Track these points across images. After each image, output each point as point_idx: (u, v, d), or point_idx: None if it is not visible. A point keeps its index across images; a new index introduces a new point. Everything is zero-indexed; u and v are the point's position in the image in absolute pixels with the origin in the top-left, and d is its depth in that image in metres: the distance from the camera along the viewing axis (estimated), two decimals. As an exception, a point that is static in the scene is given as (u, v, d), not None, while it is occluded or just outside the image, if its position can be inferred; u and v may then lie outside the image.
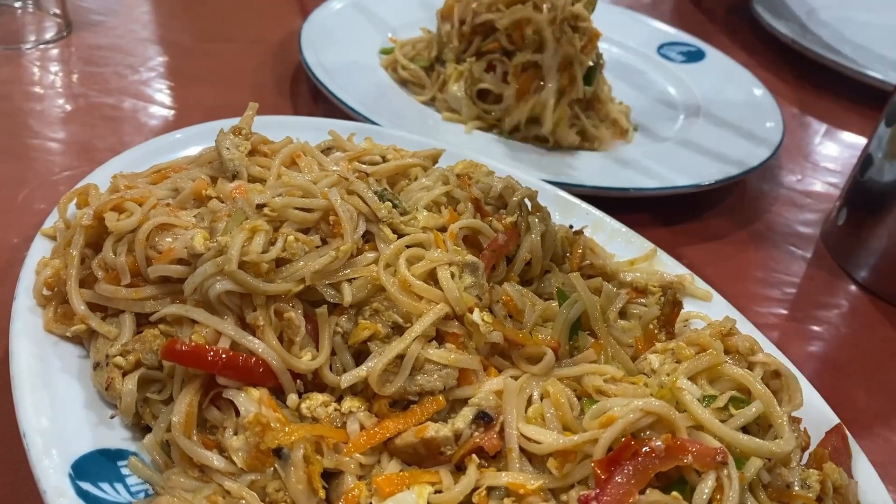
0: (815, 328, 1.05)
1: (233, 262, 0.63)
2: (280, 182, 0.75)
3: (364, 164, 0.88)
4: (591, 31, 1.22)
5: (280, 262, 0.68)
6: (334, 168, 0.82)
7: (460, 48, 1.26)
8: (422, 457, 0.63)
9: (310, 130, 0.96)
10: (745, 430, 0.62)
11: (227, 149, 0.79)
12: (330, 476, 0.62)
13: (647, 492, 0.55)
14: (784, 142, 1.37)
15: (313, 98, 1.31)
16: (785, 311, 1.06)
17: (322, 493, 0.58)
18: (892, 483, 0.81)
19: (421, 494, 0.59)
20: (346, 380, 0.64)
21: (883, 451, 0.87)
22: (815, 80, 1.66)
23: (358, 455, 0.61)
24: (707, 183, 1.15)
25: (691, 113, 1.38)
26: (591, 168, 1.16)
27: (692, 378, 0.66)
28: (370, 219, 0.74)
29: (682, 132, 1.32)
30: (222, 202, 0.75)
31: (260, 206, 0.70)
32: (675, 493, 0.55)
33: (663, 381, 0.64)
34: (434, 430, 0.62)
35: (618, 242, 0.96)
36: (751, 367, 0.69)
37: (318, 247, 0.70)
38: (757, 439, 0.60)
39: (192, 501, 0.58)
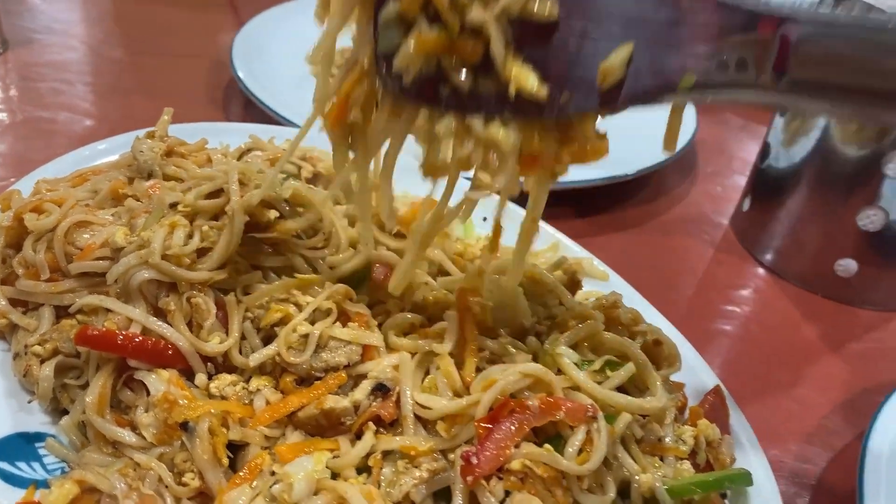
0: (724, 307, 1.11)
1: (156, 255, 0.68)
2: (189, 177, 0.80)
3: (289, 164, 0.94)
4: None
5: (201, 253, 0.73)
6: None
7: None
8: (324, 428, 0.67)
9: (236, 135, 1.01)
10: (623, 391, 0.68)
11: (141, 151, 0.83)
12: (238, 448, 0.66)
13: (522, 445, 0.60)
14: (701, 137, 1.45)
15: (245, 108, 1.36)
16: (694, 294, 1.13)
17: (226, 462, 0.63)
18: (779, 441, 0.88)
19: (319, 460, 0.63)
20: (254, 359, 0.69)
21: (773, 413, 0.93)
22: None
23: (263, 428, 0.66)
24: (619, 175, 1.22)
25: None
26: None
27: (575, 346, 0.71)
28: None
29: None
30: (139, 201, 0.80)
31: (173, 205, 0.75)
32: (547, 446, 0.61)
33: (546, 348, 0.70)
34: (333, 401, 0.66)
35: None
36: (633, 336, 0.75)
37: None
38: (628, 397, 0.66)
39: (104, 474, 0.62)
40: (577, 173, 1.19)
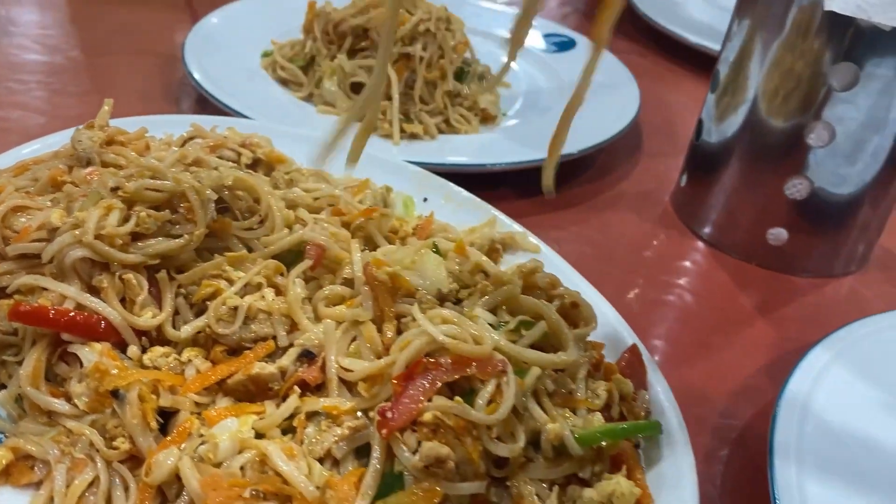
0: (662, 279, 1.15)
1: (89, 234, 0.71)
2: (132, 165, 0.83)
3: (229, 151, 0.98)
4: (463, 38, 1.36)
5: (136, 237, 0.76)
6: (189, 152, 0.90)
7: (333, 51, 1.35)
8: (252, 394, 0.71)
9: (183, 126, 1.04)
10: (540, 349, 0.72)
11: (80, 141, 0.86)
12: (170, 416, 0.69)
13: (434, 399, 0.64)
14: (645, 117, 1.49)
15: (199, 104, 1.39)
16: (633, 267, 1.16)
17: (155, 426, 0.66)
18: (706, 400, 0.92)
19: (245, 422, 0.66)
20: (185, 330, 0.73)
21: (702, 375, 0.97)
22: (687, 64, 1.80)
23: (193, 395, 0.69)
24: (562, 155, 1.25)
25: (557, 97, 1.49)
26: (452, 149, 1.26)
27: (495, 310, 0.75)
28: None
29: (546, 114, 1.43)
30: (78, 187, 0.83)
31: (114, 189, 0.78)
32: (457, 398, 0.64)
33: (464, 311, 0.73)
34: (259, 367, 0.70)
35: (466, 210, 1.05)
36: (550, 299, 0.79)
37: (177, 224, 0.78)
38: (539, 352, 0.69)
39: (38, 442, 0.65)
40: (522, 153, 1.24)
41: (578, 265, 1.13)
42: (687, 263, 1.19)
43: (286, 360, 0.71)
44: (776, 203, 1.13)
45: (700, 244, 1.23)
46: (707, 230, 1.23)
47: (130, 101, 1.39)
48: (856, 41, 1.01)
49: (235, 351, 0.73)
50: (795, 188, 1.11)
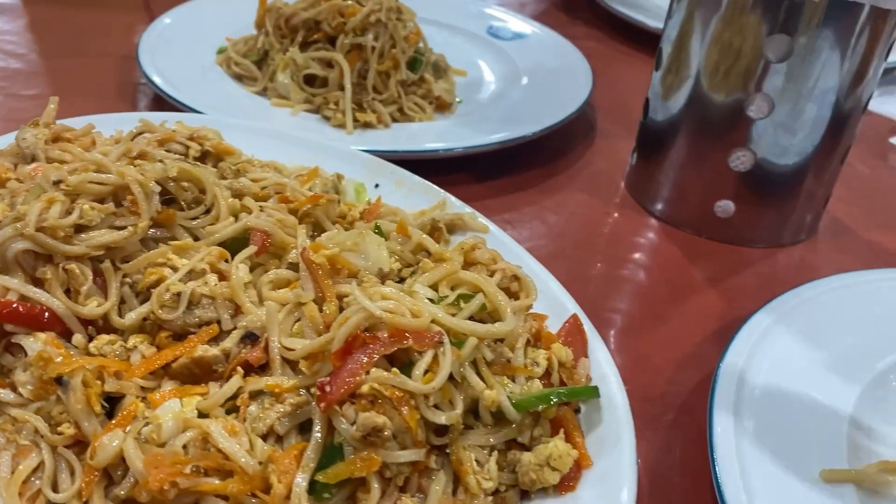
0: (615, 256, 1.17)
1: (30, 226, 0.72)
2: (77, 157, 0.84)
3: (177, 144, 0.99)
4: (415, 28, 1.38)
5: (80, 229, 0.77)
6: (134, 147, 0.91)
7: (286, 44, 1.36)
8: (197, 376, 0.72)
9: (134, 124, 1.05)
10: (480, 321, 0.74)
11: (24, 139, 0.87)
12: (116, 401, 0.70)
13: (372, 371, 0.66)
14: (599, 101, 1.51)
15: (156, 102, 1.39)
16: (586, 245, 1.18)
17: (99, 410, 0.67)
18: (653, 368, 0.94)
19: (189, 403, 0.68)
20: (129, 317, 0.74)
21: (651, 344, 0.99)
22: (643, 46, 1.83)
23: (138, 379, 0.70)
24: (518, 137, 1.28)
25: (511, 82, 1.51)
26: (406, 137, 1.28)
27: (435, 286, 0.77)
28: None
29: (501, 100, 1.45)
30: (22, 183, 0.84)
31: (57, 182, 0.79)
32: (394, 369, 0.66)
33: (404, 288, 0.75)
34: (203, 349, 0.71)
35: (417, 194, 1.06)
36: (491, 273, 0.81)
37: (122, 217, 0.80)
38: (474, 322, 0.71)
39: (-16, 431, 0.66)
40: (475, 137, 1.26)
41: (532, 245, 1.16)
42: (639, 239, 1.21)
43: (229, 343, 0.72)
44: (722, 176, 1.15)
45: (653, 221, 1.25)
46: (659, 207, 1.25)
47: (86, 103, 1.40)
48: (790, 14, 1.03)
49: (181, 336, 0.75)
50: (739, 160, 1.13)
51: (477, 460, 0.68)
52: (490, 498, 0.67)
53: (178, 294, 0.74)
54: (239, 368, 0.71)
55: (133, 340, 0.74)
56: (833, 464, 0.76)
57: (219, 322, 0.75)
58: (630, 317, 1.04)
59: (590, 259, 1.15)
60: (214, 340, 0.74)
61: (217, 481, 0.62)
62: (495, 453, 0.69)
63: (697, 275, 1.14)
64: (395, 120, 1.33)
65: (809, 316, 0.94)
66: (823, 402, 0.83)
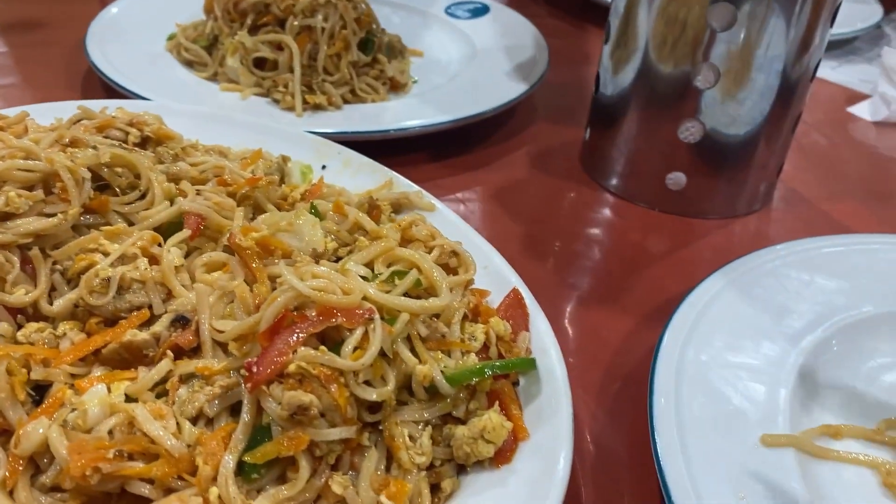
0: (569, 231, 1.16)
1: (-48, 215, 0.71)
2: (5, 142, 0.83)
3: (117, 130, 0.97)
4: (366, 9, 1.37)
5: (6, 217, 0.76)
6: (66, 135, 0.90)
7: (235, 28, 1.34)
8: (128, 362, 0.71)
9: (74, 111, 1.03)
10: (415, 297, 0.73)
11: (-49, 126, 0.85)
12: (45, 389, 0.69)
13: (300, 350, 0.65)
14: (553, 79, 1.50)
15: (106, 91, 1.37)
16: (540, 222, 1.18)
17: (24, 398, 0.66)
18: (602, 340, 0.94)
19: (117, 388, 0.67)
20: (57, 304, 0.73)
21: (602, 316, 0.98)
22: (600, 22, 1.82)
23: (67, 367, 0.69)
24: (473, 115, 1.27)
25: (467, 62, 1.50)
26: (359, 118, 1.27)
27: (370, 264, 0.76)
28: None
29: (457, 79, 1.44)
30: (-52, 172, 0.82)
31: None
32: (322, 347, 0.65)
33: (338, 267, 0.74)
34: (132, 334, 0.70)
35: (364, 175, 1.05)
36: (430, 250, 0.80)
37: (52, 204, 0.78)
38: (405, 298, 0.70)
39: None
40: (429, 117, 1.25)
41: (485, 223, 1.15)
42: (594, 215, 1.21)
43: (159, 327, 0.71)
44: (673, 148, 1.15)
45: (607, 196, 1.24)
46: (613, 182, 1.25)
47: (35, 92, 1.38)
48: (733, -18, 1.02)
49: (112, 322, 0.73)
50: (689, 131, 1.13)
51: (410, 436, 0.67)
52: (424, 473, 0.67)
53: (108, 279, 0.73)
54: (169, 352, 0.70)
55: (63, 327, 0.72)
56: (775, 429, 0.76)
57: (150, 307, 0.74)
58: (582, 291, 1.04)
59: (543, 235, 1.14)
60: (146, 325, 0.73)
61: (142, 465, 0.61)
62: (429, 428, 0.68)
63: (651, 248, 1.14)
64: (347, 102, 1.31)
65: (757, 283, 0.94)
66: (767, 367, 0.83)
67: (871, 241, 1.05)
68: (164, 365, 0.69)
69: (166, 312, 0.73)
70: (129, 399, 0.67)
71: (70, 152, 0.84)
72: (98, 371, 0.70)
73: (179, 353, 0.71)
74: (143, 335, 0.70)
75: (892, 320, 0.92)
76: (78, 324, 0.74)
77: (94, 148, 0.87)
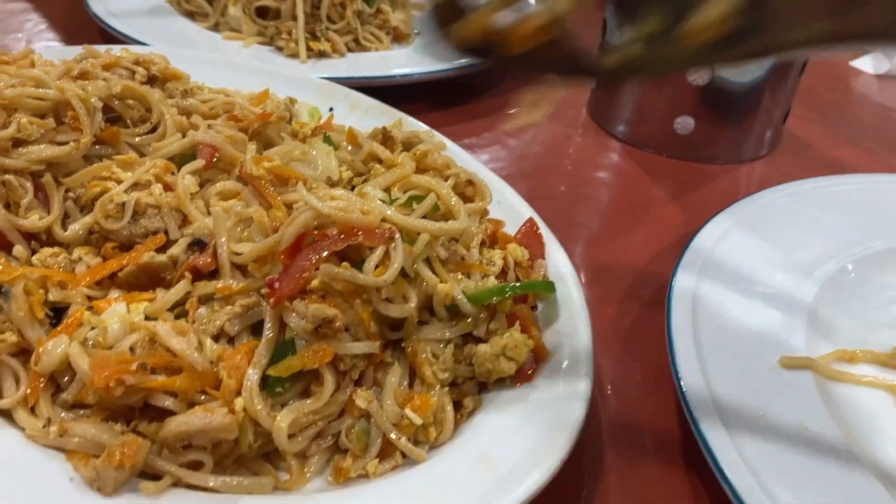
0: (578, 175, 1.16)
1: (-35, 138, 0.70)
2: (13, 73, 0.81)
3: (123, 69, 0.96)
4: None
5: (18, 144, 0.75)
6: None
7: (237, -25, 1.33)
8: (145, 284, 0.70)
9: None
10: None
11: (-42, 58, 0.84)
12: (62, 312, 0.69)
13: (322, 266, 0.64)
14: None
15: (107, 42, 1.36)
16: (549, 166, 1.18)
17: (41, 315, 0.65)
18: (614, 276, 0.94)
19: (136, 308, 0.66)
20: (72, 229, 0.72)
21: (612, 254, 0.99)
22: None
23: (84, 289, 0.69)
24: (466, 64, 1.26)
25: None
26: (363, 65, 1.26)
27: (387, 190, 0.76)
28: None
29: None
30: (-43, 102, 0.81)
31: (-9, 97, 0.77)
32: (345, 263, 0.65)
33: (355, 192, 0.73)
34: (149, 256, 0.69)
35: (372, 116, 1.05)
36: (445, 178, 0.79)
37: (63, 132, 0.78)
38: (425, 220, 0.70)
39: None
40: (433, 65, 1.24)
41: (492, 167, 1.15)
42: (601, 160, 1.20)
43: (177, 250, 0.71)
44: (681, 92, 1.15)
45: (614, 142, 1.24)
46: (620, 128, 1.24)
47: (33, 44, 1.36)
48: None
49: (128, 248, 0.73)
50: (698, 74, 1.12)
51: (433, 353, 0.67)
52: (446, 389, 0.67)
53: (123, 204, 0.73)
54: (187, 274, 0.69)
55: (78, 252, 0.72)
56: (792, 353, 0.77)
57: (166, 232, 0.73)
58: (592, 231, 1.04)
59: (551, 180, 1.14)
60: (162, 249, 0.72)
61: (165, 378, 0.61)
62: (451, 346, 0.68)
63: (659, 191, 1.14)
64: (351, 50, 1.30)
65: (768, 218, 0.94)
66: (782, 297, 0.83)
67: (878, 181, 1.05)
68: (183, 285, 0.68)
69: (182, 237, 0.73)
70: (149, 319, 0.66)
71: (80, 83, 0.83)
72: (115, 294, 0.70)
73: (197, 276, 0.71)
74: (161, 257, 0.70)
75: (904, 254, 0.93)
76: (93, 249, 0.73)
77: (104, 80, 0.86)
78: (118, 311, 0.65)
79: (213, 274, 0.71)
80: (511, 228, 0.84)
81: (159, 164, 0.77)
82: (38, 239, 0.73)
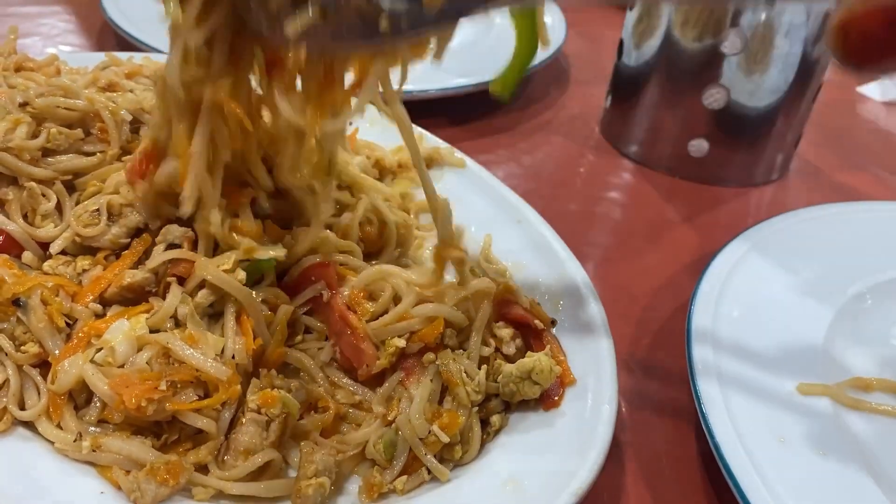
0: (590, 195, 1.17)
1: (-4, 146, 0.70)
2: (44, 83, 0.82)
3: (145, 79, 0.96)
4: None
5: (46, 154, 0.75)
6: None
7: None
8: (135, 300, 0.69)
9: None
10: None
11: (-16, 67, 0.84)
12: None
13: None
14: (575, 50, 1.51)
15: (120, 48, 1.36)
16: (560, 184, 1.18)
17: (62, 323, 0.64)
18: (631, 296, 0.95)
19: (137, 321, 0.65)
20: (54, 246, 0.71)
21: (628, 275, 0.99)
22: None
23: (90, 304, 0.67)
24: (482, 81, 1.27)
25: (486, 30, 1.50)
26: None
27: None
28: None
29: (475, 47, 1.44)
30: (-16, 109, 0.81)
31: (23, 105, 0.77)
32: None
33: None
34: (130, 275, 0.68)
35: (392, 132, 1.05)
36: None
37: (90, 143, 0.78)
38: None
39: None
40: (449, 81, 1.25)
41: (507, 185, 1.15)
42: (614, 180, 1.21)
43: (154, 262, 0.68)
44: (696, 114, 1.16)
45: (627, 162, 1.25)
46: (633, 148, 1.25)
47: (48, 47, 1.37)
48: (762, -53, 1.03)
49: (118, 253, 0.71)
50: (713, 97, 1.14)
51: (466, 372, 0.67)
52: (475, 408, 0.67)
53: (97, 210, 0.71)
54: (173, 279, 0.68)
55: (81, 263, 0.70)
56: (810, 380, 0.77)
57: (147, 227, 0.72)
58: (606, 250, 1.05)
59: (565, 198, 1.15)
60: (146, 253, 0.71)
61: (192, 394, 0.61)
62: (485, 366, 0.68)
63: (671, 212, 1.14)
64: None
65: (783, 244, 0.95)
66: (798, 324, 0.84)
67: (892, 209, 1.06)
68: (175, 293, 0.66)
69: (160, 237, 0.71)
70: (153, 331, 0.65)
71: (108, 95, 0.83)
72: (114, 309, 0.69)
73: (182, 281, 0.69)
74: (142, 274, 0.68)
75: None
76: (92, 258, 0.71)
77: (132, 92, 0.87)
78: (122, 329, 0.64)
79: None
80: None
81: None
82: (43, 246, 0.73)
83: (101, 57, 1.04)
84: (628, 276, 0.99)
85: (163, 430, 0.62)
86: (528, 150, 1.25)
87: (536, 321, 0.72)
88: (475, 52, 1.38)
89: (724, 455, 0.66)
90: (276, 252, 0.69)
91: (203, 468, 0.61)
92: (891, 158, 1.39)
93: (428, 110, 1.25)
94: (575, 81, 1.48)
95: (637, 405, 0.80)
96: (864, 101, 1.58)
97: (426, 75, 1.29)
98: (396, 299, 0.71)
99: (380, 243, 0.84)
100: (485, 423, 0.68)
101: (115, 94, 0.83)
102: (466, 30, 1.50)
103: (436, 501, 0.61)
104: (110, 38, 1.38)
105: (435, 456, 0.64)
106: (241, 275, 0.67)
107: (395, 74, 0.70)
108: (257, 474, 0.61)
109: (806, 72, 1.13)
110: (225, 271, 0.67)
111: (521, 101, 1.37)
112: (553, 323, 0.74)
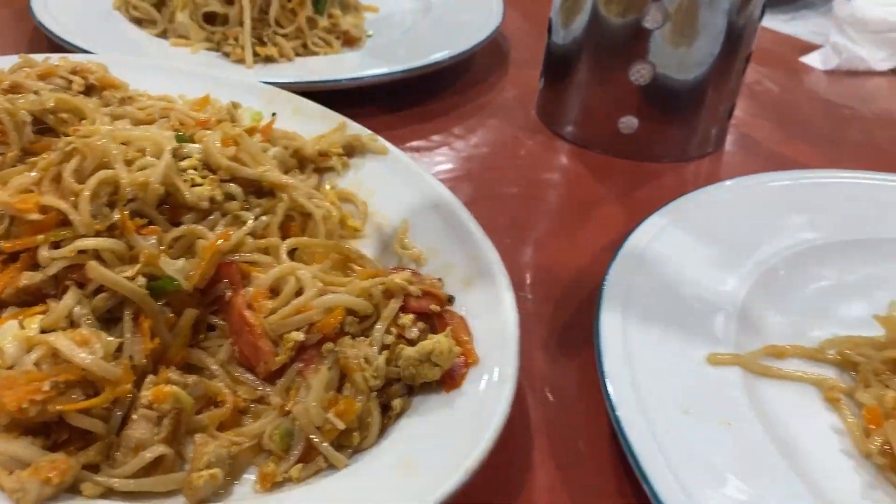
0: (524, 178, 1.17)
1: None
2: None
3: (60, 79, 0.96)
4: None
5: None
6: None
7: (184, -18, 1.32)
8: (32, 301, 0.68)
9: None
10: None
11: None
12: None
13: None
14: (515, 31, 1.50)
15: (53, 51, 1.35)
16: (496, 168, 1.18)
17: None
18: (554, 274, 0.95)
19: (31, 322, 0.65)
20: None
21: (555, 253, 0.99)
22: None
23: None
24: (429, 63, 1.26)
25: (423, 15, 1.49)
26: (311, 70, 1.26)
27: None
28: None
29: (411, 32, 1.43)
30: None
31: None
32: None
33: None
34: (27, 277, 0.68)
35: (315, 121, 1.05)
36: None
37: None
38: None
39: None
40: (382, 68, 1.25)
41: (440, 170, 1.16)
42: (548, 161, 1.21)
43: (54, 268, 0.68)
44: (624, 91, 1.16)
45: (562, 143, 1.25)
46: (568, 129, 1.25)
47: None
48: (678, -80, 1.03)
49: (14, 257, 0.70)
50: (639, 73, 1.13)
51: (366, 357, 0.67)
52: (374, 393, 0.67)
53: None
54: (74, 283, 0.67)
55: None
56: (721, 350, 0.78)
57: None
58: (535, 232, 1.05)
59: (497, 181, 1.15)
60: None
61: (81, 394, 0.61)
62: (386, 352, 0.68)
63: (604, 191, 1.14)
64: (299, 55, 1.30)
65: (704, 217, 0.95)
66: (713, 294, 0.84)
67: (819, 176, 1.07)
68: (72, 293, 0.66)
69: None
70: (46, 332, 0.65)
71: (10, 97, 0.83)
72: (7, 312, 0.68)
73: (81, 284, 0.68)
74: (39, 275, 0.67)
75: (838, 249, 0.94)
76: None
77: (36, 93, 0.86)
78: (11, 330, 0.63)
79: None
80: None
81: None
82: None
83: (15, 59, 1.04)
84: (555, 255, 0.99)
85: (52, 430, 0.61)
86: (462, 135, 1.25)
87: (432, 305, 0.72)
88: (409, 41, 1.38)
89: (623, 427, 0.66)
90: (179, 265, 0.69)
91: (94, 467, 0.60)
92: (830, 127, 1.40)
93: (362, 100, 1.25)
94: (513, 63, 1.47)
95: (555, 384, 0.80)
96: (807, 71, 1.58)
97: (360, 63, 1.30)
98: (300, 293, 0.71)
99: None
100: (386, 407, 0.68)
101: (16, 96, 0.82)
102: (402, 20, 1.52)
103: (329, 487, 0.61)
104: (43, 42, 1.37)
105: (333, 443, 0.64)
106: (141, 280, 0.67)
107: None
108: (150, 470, 0.61)
109: (732, 42, 1.13)
110: (127, 279, 0.67)
111: (458, 86, 1.37)
112: (450, 300, 0.74)
